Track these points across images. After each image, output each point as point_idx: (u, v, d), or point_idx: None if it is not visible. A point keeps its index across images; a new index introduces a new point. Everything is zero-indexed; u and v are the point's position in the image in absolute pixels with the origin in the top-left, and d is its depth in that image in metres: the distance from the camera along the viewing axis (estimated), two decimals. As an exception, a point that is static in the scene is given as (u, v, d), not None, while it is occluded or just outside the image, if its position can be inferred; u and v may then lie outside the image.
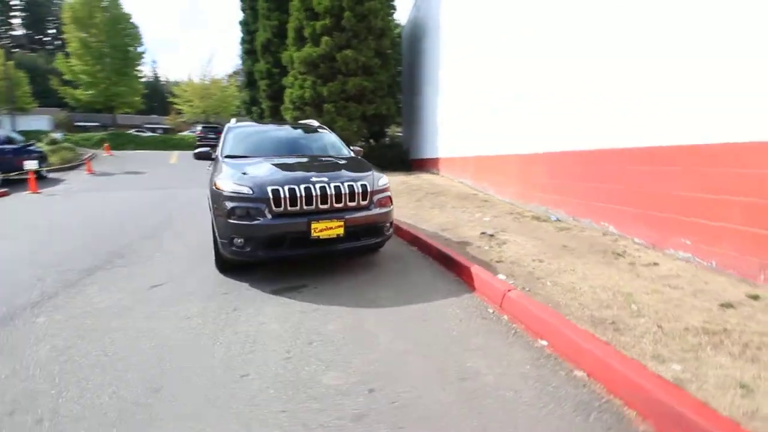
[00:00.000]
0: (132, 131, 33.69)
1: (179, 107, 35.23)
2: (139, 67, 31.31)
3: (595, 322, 2.72)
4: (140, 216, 7.31)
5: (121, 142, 24.96)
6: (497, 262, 4.09)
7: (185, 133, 35.67)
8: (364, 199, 3.96)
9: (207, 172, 4.89)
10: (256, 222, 3.53)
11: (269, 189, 3.60)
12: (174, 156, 20.92)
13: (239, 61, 25.89)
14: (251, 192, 3.60)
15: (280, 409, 2.04)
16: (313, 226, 3.64)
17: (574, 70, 5.54)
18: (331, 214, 3.77)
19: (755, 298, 2.97)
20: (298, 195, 3.64)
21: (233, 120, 5.76)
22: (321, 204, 3.73)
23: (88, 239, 5.61)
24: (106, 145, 22.02)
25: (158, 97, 53.49)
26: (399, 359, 2.53)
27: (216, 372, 2.38)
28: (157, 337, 2.82)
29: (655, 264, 3.82)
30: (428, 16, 12.51)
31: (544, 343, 2.65)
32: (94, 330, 2.92)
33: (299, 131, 5.52)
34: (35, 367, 2.43)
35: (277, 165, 4.16)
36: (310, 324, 3.00)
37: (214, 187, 3.85)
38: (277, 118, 16.85)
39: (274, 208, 3.58)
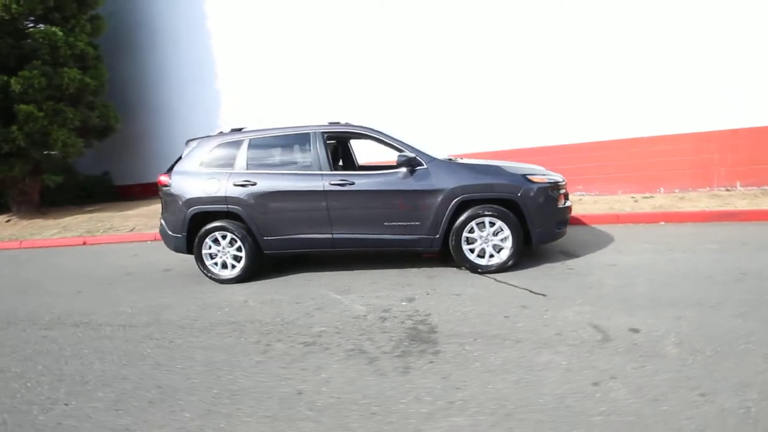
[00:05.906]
0: None
1: None
2: None
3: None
4: None
5: None
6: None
7: None
8: None
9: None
10: (568, 204, 3.87)
11: (561, 175, 3.94)
12: None
13: None
14: (564, 180, 3.85)
15: None
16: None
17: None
18: None
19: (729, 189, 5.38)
20: None
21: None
22: None
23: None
24: None
25: None
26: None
27: None
28: None
29: (652, 197, 5.70)
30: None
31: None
32: None
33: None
34: None
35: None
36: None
37: (534, 184, 3.55)
38: None
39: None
